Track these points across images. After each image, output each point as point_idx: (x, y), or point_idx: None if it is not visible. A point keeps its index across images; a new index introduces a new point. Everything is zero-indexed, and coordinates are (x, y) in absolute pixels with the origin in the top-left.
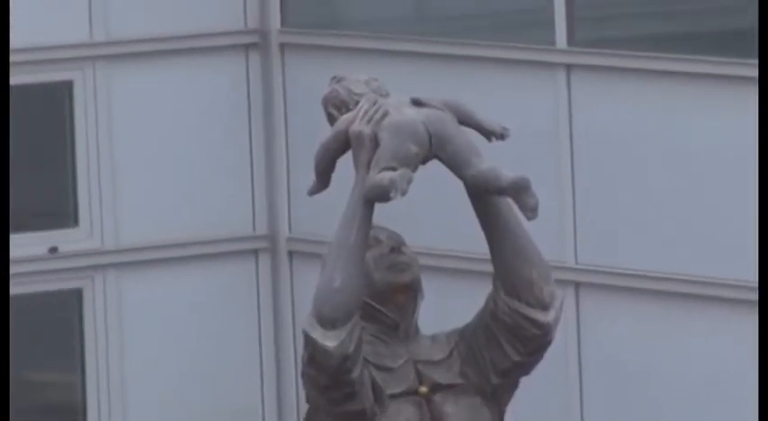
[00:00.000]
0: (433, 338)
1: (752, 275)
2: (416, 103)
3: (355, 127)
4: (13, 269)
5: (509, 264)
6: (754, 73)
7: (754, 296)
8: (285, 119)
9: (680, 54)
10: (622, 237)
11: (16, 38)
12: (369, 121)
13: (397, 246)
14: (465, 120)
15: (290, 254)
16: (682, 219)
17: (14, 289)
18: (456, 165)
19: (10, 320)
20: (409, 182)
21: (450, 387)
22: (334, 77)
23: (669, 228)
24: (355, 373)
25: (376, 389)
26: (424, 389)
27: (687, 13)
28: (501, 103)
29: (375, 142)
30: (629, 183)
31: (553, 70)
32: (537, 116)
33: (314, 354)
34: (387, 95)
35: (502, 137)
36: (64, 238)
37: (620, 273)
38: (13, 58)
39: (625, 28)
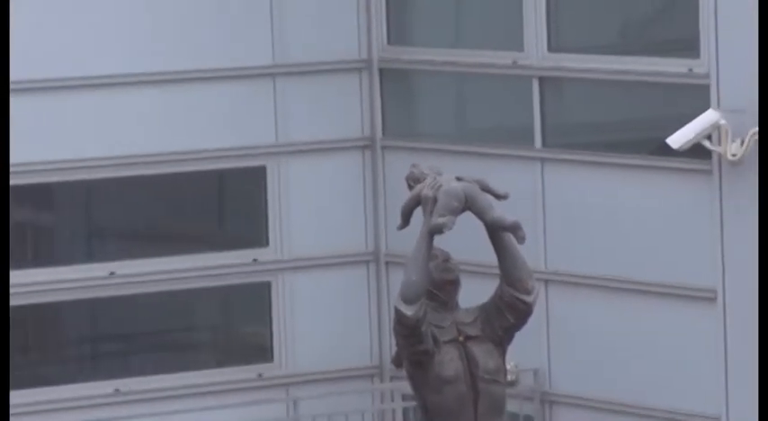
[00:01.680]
0: (467, 310)
1: (680, 278)
2: (458, 178)
3: (424, 192)
4: (231, 270)
5: (508, 268)
6: (695, 166)
7: (687, 292)
8: (384, 190)
9: (622, 153)
10: (578, 253)
11: (232, 139)
12: (431, 189)
13: (446, 259)
14: (485, 188)
15: (387, 263)
16: (622, 238)
17: (233, 280)
18: (480, 213)
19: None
20: (453, 223)
21: (475, 337)
22: (412, 164)
23: (610, 246)
24: (423, 329)
25: (434, 338)
26: (461, 338)
27: (630, 127)
28: (503, 180)
29: (435, 200)
30: (581, 228)
31: (533, 162)
32: (523, 190)
33: (399, 319)
34: (441, 174)
35: (505, 198)
36: (261, 253)
37: (574, 274)
38: (230, 152)
39: (581, 136)
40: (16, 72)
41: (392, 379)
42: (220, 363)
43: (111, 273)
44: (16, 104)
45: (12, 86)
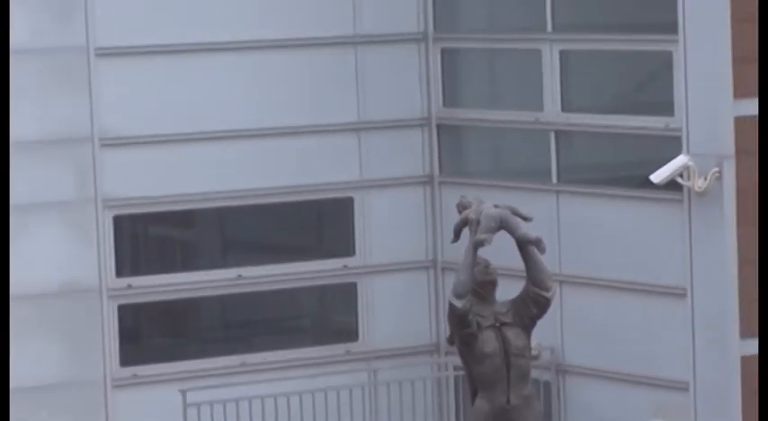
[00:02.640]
0: (502, 303)
1: (653, 279)
2: (495, 205)
3: (470, 216)
4: (327, 273)
5: (533, 272)
6: (671, 196)
7: (659, 289)
8: (441, 214)
9: (617, 186)
10: (585, 260)
11: (328, 177)
12: (475, 213)
13: (487, 265)
14: (515, 213)
15: (443, 269)
16: (617, 249)
17: (328, 281)
18: (511, 231)
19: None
20: (491, 239)
21: (508, 324)
22: (461, 196)
23: (608, 255)
24: (470, 317)
25: (478, 324)
26: (498, 324)
27: (622, 167)
28: (528, 207)
29: (478, 222)
30: (587, 241)
31: (550, 193)
32: (543, 214)
33: (452, 309)
34: (483, 202)
35: (530, 220)
36: (349, 261)
37: (582, 276)
38: (326, 186)
39: (586, 174)
40: (179, 126)
41: (447, 354)
42: (318, 342)
43: (239, 276)
44: (175, 152)
45: (172, 137)
